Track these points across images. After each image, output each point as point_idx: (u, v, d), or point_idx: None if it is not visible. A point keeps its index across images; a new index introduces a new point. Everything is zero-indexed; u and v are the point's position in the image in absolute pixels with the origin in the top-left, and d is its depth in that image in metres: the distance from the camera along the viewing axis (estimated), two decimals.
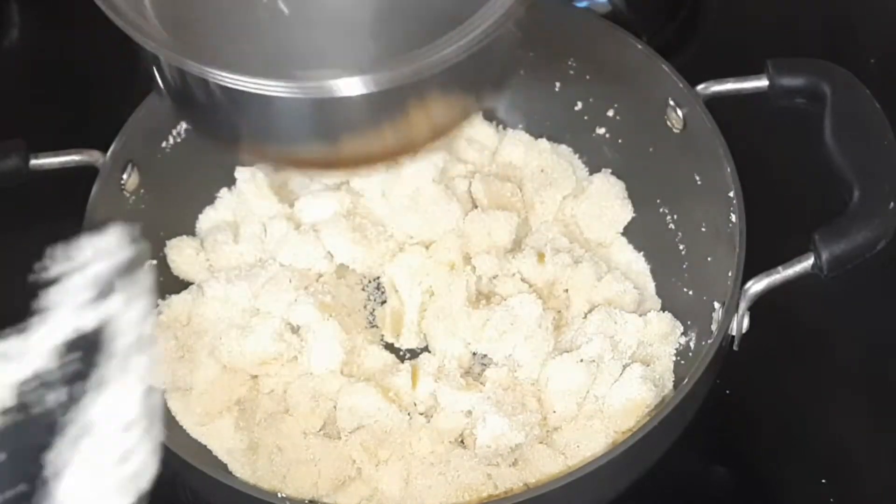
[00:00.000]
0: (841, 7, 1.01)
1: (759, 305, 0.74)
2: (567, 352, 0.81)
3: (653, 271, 0.87)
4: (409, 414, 0.79)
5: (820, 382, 0.84)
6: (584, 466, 0.69)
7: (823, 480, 0.79)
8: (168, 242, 0.86)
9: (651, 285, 0.86)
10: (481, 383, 0.81)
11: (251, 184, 0.89)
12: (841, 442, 0.82)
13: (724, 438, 0.82)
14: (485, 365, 0.82)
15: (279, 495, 0.70)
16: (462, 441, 0.79)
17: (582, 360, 0.79)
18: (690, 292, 0.83)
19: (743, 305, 0.73)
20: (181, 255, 0.86)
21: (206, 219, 0.89)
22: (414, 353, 0.84)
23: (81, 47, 1.05)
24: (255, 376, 0.82)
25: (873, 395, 0.84)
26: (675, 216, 0.87)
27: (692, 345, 0.81)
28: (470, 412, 0.78)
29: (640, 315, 0.82)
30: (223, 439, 0.80)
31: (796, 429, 0.83)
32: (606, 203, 0.88)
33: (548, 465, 0.76)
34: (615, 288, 0.83)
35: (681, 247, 0.86)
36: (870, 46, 0.93)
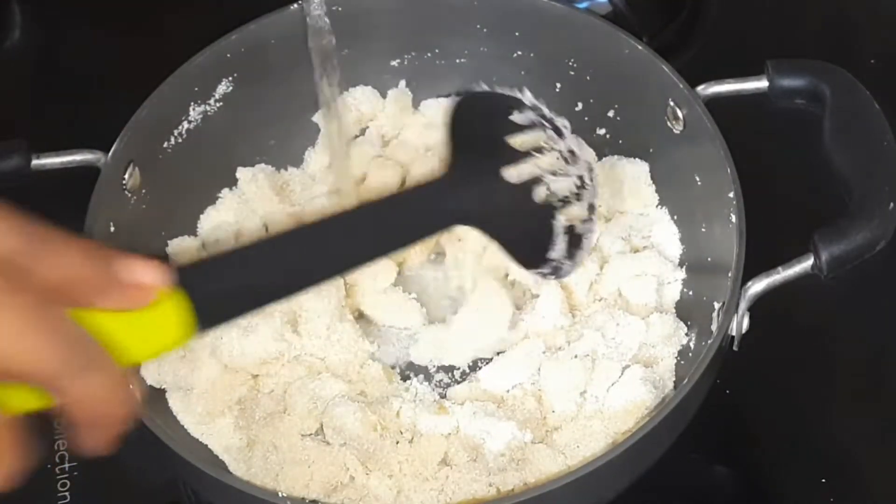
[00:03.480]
0: (841, 7, 1.01)
1: (759, 306, 0.74)
2: (560, 349, 0.81)
3: None
4: (396, 441, 0.79)
5: (820, 382, 0.84)
6: (584, 466, 0.69)
7: (823, 480, 0.79)
8: (170, 243, 0.86)
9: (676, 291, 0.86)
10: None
11: (252, 184, 0.89)
12: (841, 442, 0.82)
13: (723, 438, 0.82)
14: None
15: (280, 494, 0.70)
16: (445, 462, 0.78)
17: (576, 357, 0.80)
18: (690, 292, 0.84)
19: (743, 306, 0.73)
20: (183, 255, 0.86)
21: (208, 219, 0.89)
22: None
23: (83, 48, 1.06)
24: (256, 376, 0.82)
25: (874, 394, 0.84)
26: (675, 217, 0.87)
27: (692, 345, 0.81)
28: (449, 435, 0.79)
29: (643, 318, 0.82)
30: (222, 437, 0.80)
31: (796, 429, 0.83)
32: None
33: (548, 465, 0.76)
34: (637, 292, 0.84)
35: (681, 247, 0.86)
36: (870, 46, 0.93)
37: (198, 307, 0.58)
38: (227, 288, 0.61)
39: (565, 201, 0.73)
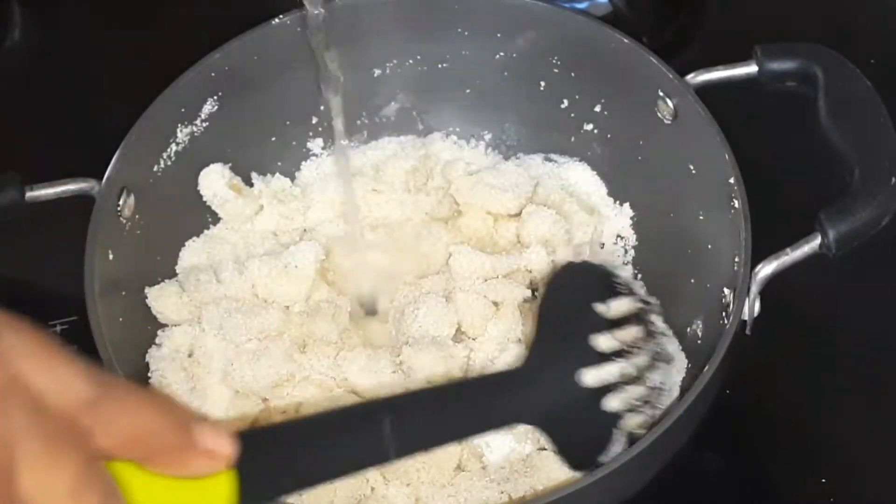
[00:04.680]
0: (841, 7, 1.02)
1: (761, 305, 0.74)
2: None
3: (653, 262, 0.88)
4: None
5: (820, 382, 0.84)
6: (614, 461, 0.68)
7: (823, 480, 0.79)
8: (148, 291, 0.84)
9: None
10: None
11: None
12: (841, 442, 0.82)
13: (723, 438, 0.82)
14: None
15: None
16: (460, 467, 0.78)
17: None
18: (693, 280, 0.84)
19: (754, 289, 0.73)
20: (166, 301, 0.84)
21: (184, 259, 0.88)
22: None
23: (83, 48, 1.04)
24: (267, 399, 0.81)
25: (873, 394, 0.84)
26: (671, 207, 0.87)
27: (700, 332, 0.81)
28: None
29: None
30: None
31: (796, 428, 0.83)
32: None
33: (556, 472, 0.75)
34: None
35: (679, 236, 0.86)
36: (870, 46, 0.94)
37: (244, 482, 0.52)
38: (276, 465, 0.56)
39: (634, 409, 0.68)
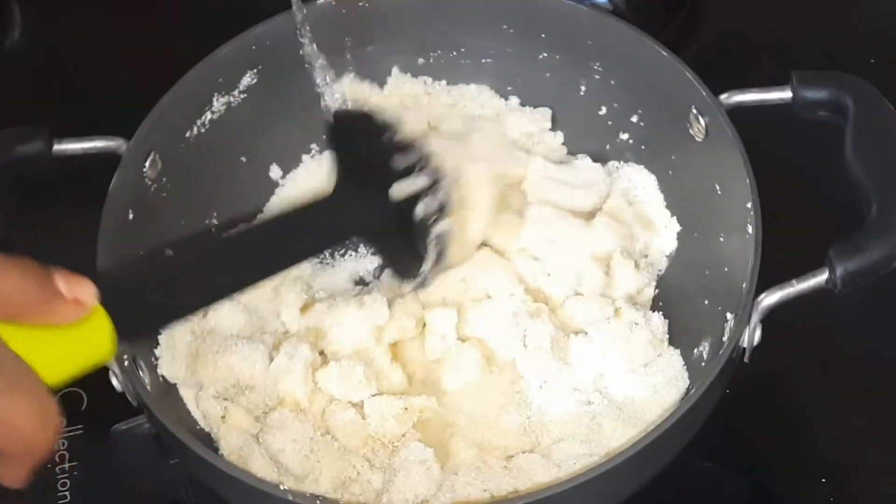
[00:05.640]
0: (840, 8, 1.00)
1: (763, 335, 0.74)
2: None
3: (672, 279, 0.87)
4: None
5: (820, 383, 0.84)
6: (583, 474, 0.68)
7: (823, 480, 0.79)
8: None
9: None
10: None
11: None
12: (841, 442, 0.82)
13: (723, 439, 0.82)
14: None
15: (280, 487, 0.70)
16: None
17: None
18: (706, 301, 0.83)
19: (755, 318, 0.72)
20: None
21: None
22: None
23: (83, 48, 1.07)
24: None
25: (873, 395, 0.84)
26: (695, 225, 0.86)
27: (705, 355, 0.81)
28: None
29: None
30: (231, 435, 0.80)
31: (796, 429, 0.82)
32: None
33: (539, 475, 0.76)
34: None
35: (699, 256, 0.85)
36: (869, 47, 0.93)
37: (117, 322, 0.59)
38: (143, 303, 0.63)
39: (435, 218, 0.76)
